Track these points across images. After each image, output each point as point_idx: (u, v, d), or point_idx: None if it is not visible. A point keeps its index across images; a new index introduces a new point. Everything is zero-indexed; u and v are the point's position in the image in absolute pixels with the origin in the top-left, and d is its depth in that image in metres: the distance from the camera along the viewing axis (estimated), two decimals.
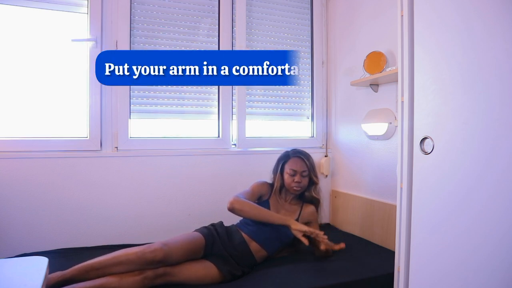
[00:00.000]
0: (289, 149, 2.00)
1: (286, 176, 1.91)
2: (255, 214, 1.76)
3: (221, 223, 1.92)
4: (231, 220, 2.00)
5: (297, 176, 1.89)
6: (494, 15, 1.05)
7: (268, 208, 1.89)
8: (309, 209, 1.94)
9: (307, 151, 2.00)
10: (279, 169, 1.95)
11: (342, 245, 1.72)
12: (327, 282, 1.57)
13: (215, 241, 1.74)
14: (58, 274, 1.47)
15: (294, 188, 1.89)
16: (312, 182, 1.95)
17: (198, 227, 1.85)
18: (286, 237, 1.85)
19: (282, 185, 1.95)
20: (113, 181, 2.12)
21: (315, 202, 1.98)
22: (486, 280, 1.05)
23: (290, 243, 1.91)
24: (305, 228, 1.72)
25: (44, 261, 1.08)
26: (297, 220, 1.89)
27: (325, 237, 1.69)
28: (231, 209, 1.77)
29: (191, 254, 1.65)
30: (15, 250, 1.88)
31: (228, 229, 1.86)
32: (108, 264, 1.49)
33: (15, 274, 1.02)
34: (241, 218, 1.91)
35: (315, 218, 1.95)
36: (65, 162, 2.03)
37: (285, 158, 1.96)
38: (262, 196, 1.95)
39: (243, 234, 1.81)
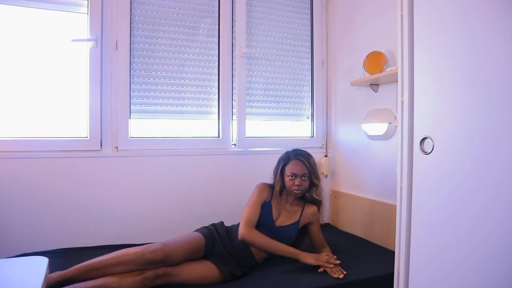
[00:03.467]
0: (289, 150, 1.97)
1: (286, 179, 1.89)
2: (266, 248, 1.74)
3: (221, 223, 1.93)
4: (231, 220, 2.00)
5: (297, 180, 1.86)
6: (494, 15, 1.05)
7: (270, 209, 1.87)
8: (311, 209, 1.92)
9: (307, 151, 1.97)
10: (279, 171, 1.92)
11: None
12: (327, 282, 1.57)
13: (215, 241, 1.74)
14: (58, 274, 1.47)
15: (295, 191, 1.87)
16: (313, 184, 1.93)
17: (198, 227, 1.85)
18: (287, 239, 1.84)
19: (283, 187, 1.93)
20: (113, 181, 2.12)
21: (317, 203, 1.96)
22: (486, 280, 1.05)
23: (291, 244, 1.91)
24: (313, 262, 1.69)
25: (44, 261, 1.08)
26: (298, 221, 1.88)
27: (331, 266, 1.65)
28: (242, 241, 1.75)
29: (191, 254, 1.65)
30: (15, 250, 1.88)
31: (229, 229, 1.86)
32: (108, 264, 1.49)
33: (15, 274, 1.02)
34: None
35: (316, 218, 1.93)
36: (65, 162, 2.03)
37: (285, 160, 1.92)
38: (265, 199, 1.92)
39: None
